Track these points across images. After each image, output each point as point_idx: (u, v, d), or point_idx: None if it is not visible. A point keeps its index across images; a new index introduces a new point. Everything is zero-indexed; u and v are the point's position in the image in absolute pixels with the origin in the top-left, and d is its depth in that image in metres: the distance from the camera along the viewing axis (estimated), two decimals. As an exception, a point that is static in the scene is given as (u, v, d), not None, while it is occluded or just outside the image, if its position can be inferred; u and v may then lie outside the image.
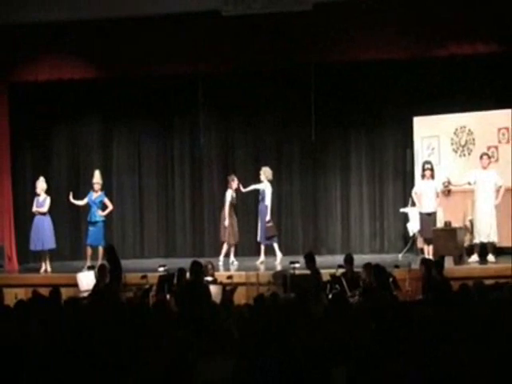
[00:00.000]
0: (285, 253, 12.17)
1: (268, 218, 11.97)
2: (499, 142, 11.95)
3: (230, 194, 12.06)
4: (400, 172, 13.24)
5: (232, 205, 12.09)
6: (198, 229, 13.90)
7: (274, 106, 13.51)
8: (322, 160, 13.57)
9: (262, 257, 12.03)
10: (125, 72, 12.29)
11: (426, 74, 12.49)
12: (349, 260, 9.47)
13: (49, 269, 11.71)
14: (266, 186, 12.08)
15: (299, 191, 13.67)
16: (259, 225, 12.14)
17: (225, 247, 12.14)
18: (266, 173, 12.11)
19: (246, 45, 11.62)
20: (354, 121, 13.44)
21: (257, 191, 12.28)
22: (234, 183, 12.14)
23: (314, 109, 12.44)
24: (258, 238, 12.19)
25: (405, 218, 12.60)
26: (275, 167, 12.88)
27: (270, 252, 12.14)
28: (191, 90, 12.92)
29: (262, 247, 12.11)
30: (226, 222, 12.00)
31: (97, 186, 12.02)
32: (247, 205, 13.18)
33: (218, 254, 12.14)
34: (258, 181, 12.21)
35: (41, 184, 11.92)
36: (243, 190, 12.33)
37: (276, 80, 13.09)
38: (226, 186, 12.34)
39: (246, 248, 13.08)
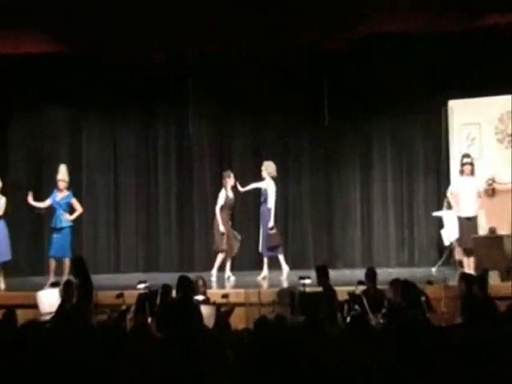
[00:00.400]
0: (292, 266, 12.21)
1: (271, 223, 12.01)
2: (554, 130, 11.94)
3: (224, 194, 12.07)
4: (432, 167, 13.23)
5: (228, 207, 12.05)
6: (187, 236, 13.98)
7: (278, 88, 13.47)
8: (338, 153, 13.62)
9: (265, 271, 12.03)
10: (97, 49, 12.20)
11: (462, 49, 12.47)
12: (371, 275, 9.41)
13: (2, 286, 11.62)
14: (268, 185, 12.10)
15: (309, 190, 13.78)
16: (261, 232, 12.16)
17: (219, 258, 12.08)
18: (268, 168, 12.13)
19: (245, 22, 11.54)
20: (375, 105, 13.43)
21: (258, 191, 12.30)
22: (231, 181, 12.14)
23: (327, 91, 12.39)
24: (260, 249, 12.20)
25: (439, 223, 12.62)
26: (280, 161, 12.89)
27: (274, 265, 12.15)
28: (179, 70, 12.94)
29: (265, 259, 12.14)
30: (222, 228, 11.92)
31: (62, 184, 11.93)
32: (246, 205, 13.23)
33: (211, 268, 12.08)
34: (260, 178, 12.21)
35: (-7, 182, 11.84)
36: (241, 189, 12.35)
37: (280, 58, 13.01)
38: (220, 184, 12.30)
39: (245, 260, 13.15)
